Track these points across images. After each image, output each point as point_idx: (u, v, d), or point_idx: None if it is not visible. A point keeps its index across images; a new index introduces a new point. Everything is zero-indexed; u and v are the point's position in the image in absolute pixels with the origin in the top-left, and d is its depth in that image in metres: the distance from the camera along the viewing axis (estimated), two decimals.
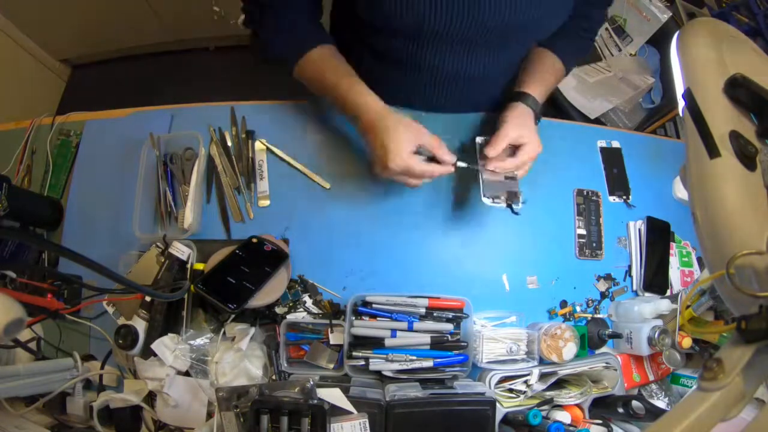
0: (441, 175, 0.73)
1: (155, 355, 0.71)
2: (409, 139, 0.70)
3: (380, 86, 0.75)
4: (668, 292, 0.89)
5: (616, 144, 0.98)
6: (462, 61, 0.78)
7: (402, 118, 0.71)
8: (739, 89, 0.42)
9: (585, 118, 1.41)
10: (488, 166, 0.77)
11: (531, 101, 0.80)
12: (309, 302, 0.82)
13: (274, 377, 0.76)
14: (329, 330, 0.78)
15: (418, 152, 0.72)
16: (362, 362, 0.73)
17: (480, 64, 0.79)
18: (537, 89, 0.81)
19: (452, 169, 0.74)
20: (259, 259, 0.76)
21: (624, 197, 0.94)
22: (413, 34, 0.72)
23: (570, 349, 0.77)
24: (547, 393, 0.77)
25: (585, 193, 0.93)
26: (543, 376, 0.77)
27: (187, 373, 0.73)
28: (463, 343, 0.76)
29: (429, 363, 0.73)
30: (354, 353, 0.73)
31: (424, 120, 0.80)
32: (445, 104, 0.89)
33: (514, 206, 0.78)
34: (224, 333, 0.75)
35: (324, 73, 0.75)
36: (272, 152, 0.90)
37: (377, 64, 0.82)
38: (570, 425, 0.75)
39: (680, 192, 0.95)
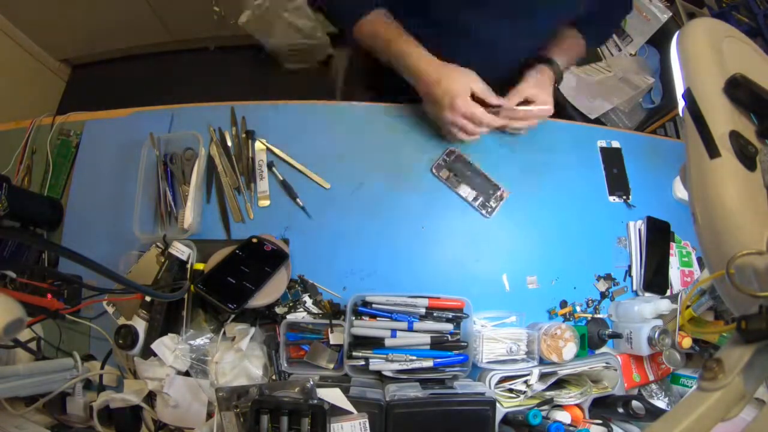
0: (494, 126, 0.83)
1: (155, 355, 0.71)
2: (467, 82, 0.80)
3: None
4: (668, 292, 0.89)
5: (616, 144, 0.98)
6: (498, 26, 0.82)
7: (456, 66, 0.81)
8: (739, 89, 0.42)
9: (585, 118, 1.41)
10: (500, 114, 0.85)
11: (553, 64, 0.89)
12: (309, 302, 0.82)
13: (274, 377, 0.76)
14: (329, 330, 0.78)
15: None
16: (362, 362, 0.73)
17: (510, 31, 0.84)
18: (559, 55, 0.90)
19: (503, 121, 0.84)
20: (259, 259, 0.76)
21: (624, 197, 0.94)
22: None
23: (570, 349, 0.77)
24: (547, 393, 0.77)
25: None
26: (543, 376, 0.77)
27: (187, 373, 0.73)
28: (463, 343, 0.76)
29: (429, 363, 0.73)
30: (354, 353, 0.73)
31: None
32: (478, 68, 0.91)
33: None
34: (224, 333, 0.75)
35: (383, 31, 0.84)
36: (272, 152, 0.90)
37: (417, 28, 0.85)
38: (570, 425, 0.75)
39: (680, 192, 0.95)
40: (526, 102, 0.85)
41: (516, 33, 0.84)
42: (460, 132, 0.83)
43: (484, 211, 0.90)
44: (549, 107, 0.86)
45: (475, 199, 0.90)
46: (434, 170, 0.91)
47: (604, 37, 1.02)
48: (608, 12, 0.95)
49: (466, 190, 0.90)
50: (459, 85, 0.79)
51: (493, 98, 0.82)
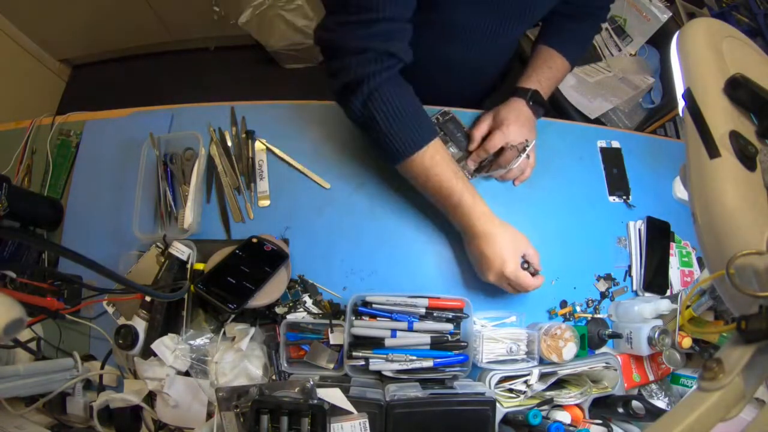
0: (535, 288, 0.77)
1: (155, 355, 0.71)
2: (518, 249, 0.75)
3: (419, 50, 0.75)
4: (668, 292, 0.89)
5: (616, 144, 0.98)
6: (494, 23, 0.80)
7: (510, 228, 0.76)
8: (739, 89, 0.42)
9: (585, 118, 1.41)
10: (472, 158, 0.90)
11: (520, 92, 0.87)
12: (309, 302, 0.82)
13: (274, 377, 0.76)
14: (329, 330, 0.78)
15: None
16: (362, 362, 0.73)
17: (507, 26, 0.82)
18: (529, 82, 0.89)
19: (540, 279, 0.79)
20: (259, 259, 0.76)
21: (624, 197, 0.94)
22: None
23: (570, 349, 0.77)
24: (547, 393, 0.77)
25: None
26: (543, 376, 0.77)
27: (187, 373, 0.73)
28: (463, 343, 0.75)
29: (429, 363, 0.73)
30: (354, 353, 0.73)
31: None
32: (473, 63, 0.92)
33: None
34: (224, 333, 0.75)
35: (436, 175, 0.74)
36: (272, 152, 0.90)
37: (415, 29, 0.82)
38: (570, 425, 0.75)
39: (680, 192, 0.95)
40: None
41: (512, 22, 0.82)
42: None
43: (465, 171, 0.91)
44: (506, 135, 0.84)
45: (460, 160, 0.91)
46: None
47: (582, 50, 0.98)
48: (583, 23, 0.93)
49: (452, 150, 0.92)
50: (509, 253, 0.74)
51: (538, 264, 0.78)
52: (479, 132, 0.88)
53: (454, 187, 0.74)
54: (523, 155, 0.83)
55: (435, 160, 0.73)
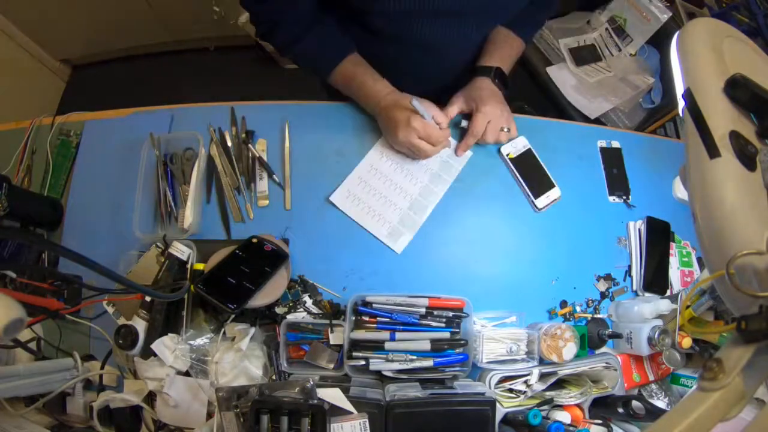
0: (439, 140, 0.82)
1: (155, 355, 0.71)
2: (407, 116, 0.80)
3: (372, 60, 0.83)
4: (668, 292, 0.89)
5: (616, 144, 0.98)
6: (446, 31, 0.82)
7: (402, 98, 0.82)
8: (739, 89, 0.42)
9: (585, 118, 1.41)
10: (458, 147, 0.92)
11: (483, 71, 0.88)
12: (309, 302, 0.82)
13: (274, 377, 0.76)
14: (329, 330, 0.78)
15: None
16: (362, 362, 0.73)
17: (456, 34, 0.83)
18: (491, 60, 0.89)
19: (447, 131, 0.84)
20: (259, 259, 0.76)
21: (624, 197, 0.94)
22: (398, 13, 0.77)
23: (570, 349, 0.77)
24: (547, 393, 0.77)
25: None
26: (543, 376, 0.77)
27: (187, 373, 0.73)
28: (462, 341, 0.75)
29: (429, 363, 0.73)
30: (354, 353, 0.73)
31: None
32: (432, 72, 0.94)
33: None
34: (224, 333, 0.75)
35: (354, 77, 0.86)
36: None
37: (367, 38, 0.84)
38: (570, 425, 0.75)
39: (680, 192, 0.95)
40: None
41: (465, 33, 0.84)
42: (415, 154, 0.85)
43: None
44: (488, 115, 0.84)
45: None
46: None
47: (538, 26, 1.01)
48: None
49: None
50: (402, 118, 0.80)
51: (438, 115, 0.83)
52: (449, 116, 0.86)
53: (365, 80, 0.85)
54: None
55: (345, 75, 0.86)
